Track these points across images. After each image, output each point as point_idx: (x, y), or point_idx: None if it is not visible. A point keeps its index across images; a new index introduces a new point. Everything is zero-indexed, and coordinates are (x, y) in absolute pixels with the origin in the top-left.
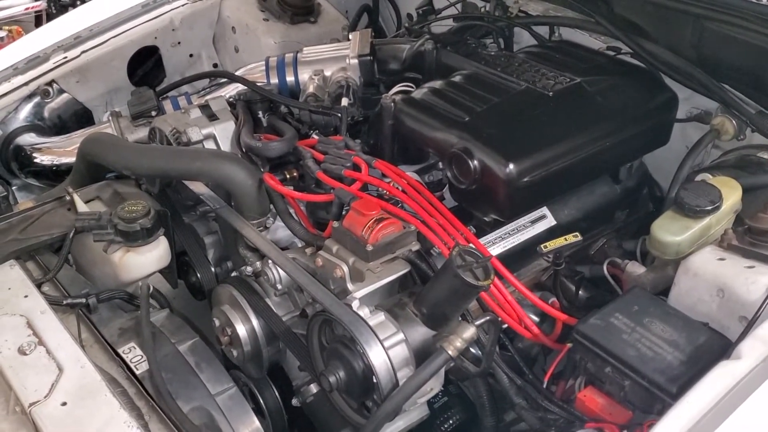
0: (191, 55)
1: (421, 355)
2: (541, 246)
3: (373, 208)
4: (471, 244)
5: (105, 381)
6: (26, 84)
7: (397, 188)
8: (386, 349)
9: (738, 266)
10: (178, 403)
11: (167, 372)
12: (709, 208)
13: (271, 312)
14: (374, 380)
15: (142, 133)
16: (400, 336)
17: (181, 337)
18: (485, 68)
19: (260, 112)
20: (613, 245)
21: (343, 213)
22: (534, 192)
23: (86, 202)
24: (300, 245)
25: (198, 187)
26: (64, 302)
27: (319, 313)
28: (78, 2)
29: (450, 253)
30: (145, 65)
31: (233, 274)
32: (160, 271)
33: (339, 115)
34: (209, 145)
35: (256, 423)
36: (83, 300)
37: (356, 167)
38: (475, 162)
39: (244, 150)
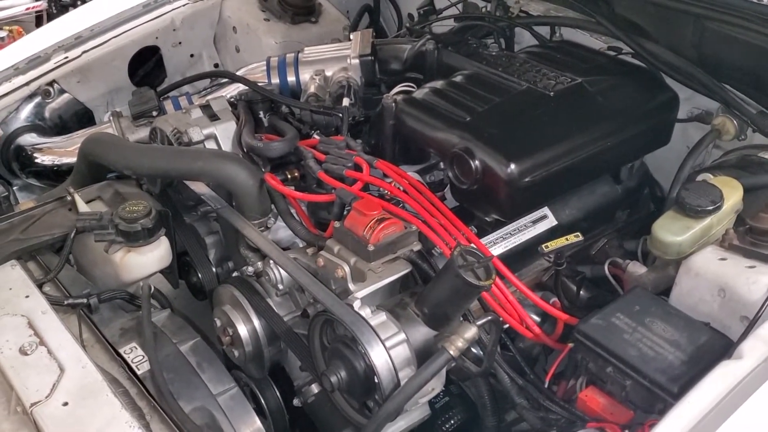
0: (192, 55)
1: (423, 355)
2: (543, 246)
3: (375, 208)
4: (472, 244)
5: (106, 381)
6: (27, 84)
7: (398, 188)
8: (388, 349)
9: (739, 266)
10: (180, 403)
11: (168, 372)
12: (711, 208)
13: (272, 312)
14: (376, 380)
15: (143, 133)
16: (402, 336)
17: (183, 338)
18: (486, 68)
19: (261, 112)
20: (614, 245)
21: (345, 213)
22: (535, 192)
23: (87, 202)
24: (301, 245)
25: (199, 187)
26: (66, 302)
27: (320, 313)
28: (79, 2)
29: (451, 253)
30: (146, 65)
31: (234, 274)
32: (161, 272)
33: (340, 115)
34: (210, 145)
35: (258, 423)
36: (84, 300)
37: (357, 167)
38: (477, 162)
39: (245, 150)
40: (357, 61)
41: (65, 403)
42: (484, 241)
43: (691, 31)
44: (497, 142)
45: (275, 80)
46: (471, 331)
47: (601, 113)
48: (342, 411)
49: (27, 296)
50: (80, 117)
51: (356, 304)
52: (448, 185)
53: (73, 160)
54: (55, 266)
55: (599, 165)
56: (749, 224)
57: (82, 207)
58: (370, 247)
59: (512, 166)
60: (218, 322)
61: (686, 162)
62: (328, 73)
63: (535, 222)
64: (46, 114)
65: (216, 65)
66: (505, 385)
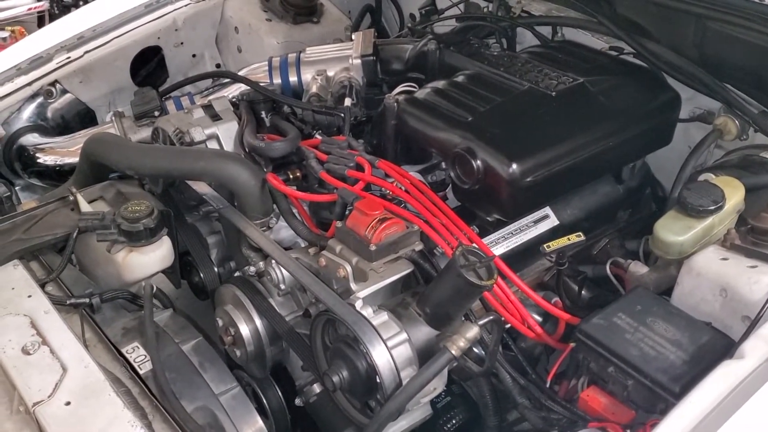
0: (194, 56)
1: (425, 355)
2: (544, 246)
3: (377, 208)
4: (474, 244)
5: (109, 381)
6: (29, 84)
7: (400, 188)
8: (389, 349)
9: (741, 266)
10: (182, 402)
11: (171, 372)
12: (712, 207)
13: (274, 312)
14: (377, 380)
15: (145, 133)
16: (404, 336)
17: (185, 337)
18: (488, 68)
19: (263, 112)
20: (616, 245)
21: (347, 213)
22: (537, 192)
23: (89, 202)
24: (303, 245)
25: (201, 187)
26: (68, 302)
27: (322, 313)
28: (81, 2)
29: (453, 252)
30: (148, 65)
31: (236, 274)
32: (163, 271)
33: (342, 115)
34: (212, 145)
35: (260, 423)
36: (87, 300)
37: (359, 167)
38: (479, 162)
39: (247, 150)
40: (359, 61)
41: (68, 403)
42: (485, 240)
43: (693, 31)
44: (499, 141)
45: (277, 80)
46: (473, 331)
47: (603, 113)
48: (344, 411)
49: (29, 296)
50: (82, 117)
51: (358, 304)
52: (450, 185)
53: (75, 160)
54: (58, 266)
55: (601, 165)
56: (751, 224)
57: (85, 207)
58: (372, 247)
59: (514, 166)
60: (220, 322)
61: (688, 162)
62: (330, 73)
63: (536, 222)
64: (49, 114)
65: (218, 65)
66: (506, 385)
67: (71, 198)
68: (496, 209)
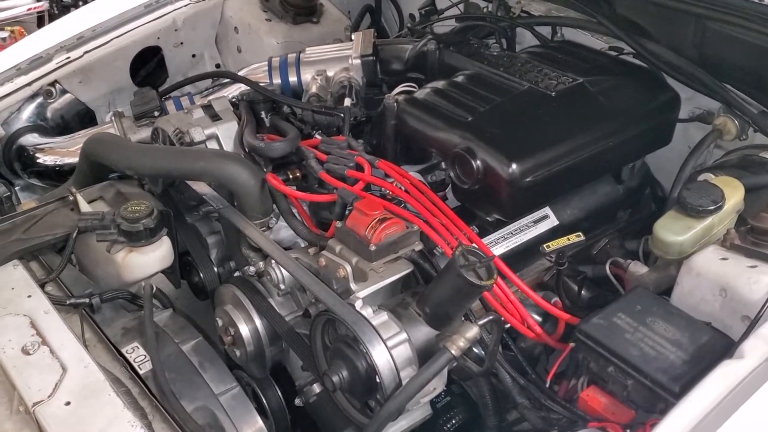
0: (194, 56)
1: (424, 355)
2: (544, 246)
3: (376, 208)
4: (474, 244)
5: (108, 380)
6: (29, 84)
7: (400, 188)
8: (389, 349)
9: (740, 266)
10: (182, 402)
11: (170, 372)
12: (712, 207)
13: (274, 312)
14: (377, 380)
15: (145, 133)
16: (403, 336)
17: (185, 337)
18: (488, 68)
19: (263, 113)
20: (616, 245)
21: (346, 213)
22: (537, 192)
23: (89, 202)
24: (303, 245)
25: (201, 187)
26: (68, 302)
27: (322, 313)
28: (80, 2)
29: (453, 252)
30: (148, 65)
31: (236, 274)
32: (163, 271)
33: (342, 115)
34: (212, 145)
35: (260, 423)
36: (86, 300)
37: (359, 167)
38: (478, 162)
39: (247, 150)
40: (358, 61)
41: (67, 403)
42: (485, 240)
43: (693, 31)
44: (499, 142)
45: (277, 80)
46: (472, 331)
47: (603, 113)
48: (343, 411)
49: (29, 296)
50: (82, 117)
51: (358, 304)
52: (450, 185)
53: (74, 160)
54: (57, 266)
55: (601, 165)
56: (750, 224)
57: (84, 207)
58: (372, 247)
59: (514, 166)
60: (220, 322)
61: (687, 162)
62: (330, 74)
63: (536, 222)
64: (48, 114)
65: (217, 65)
66: (506, 385)
67: (71, 198)
68: (496, 209)
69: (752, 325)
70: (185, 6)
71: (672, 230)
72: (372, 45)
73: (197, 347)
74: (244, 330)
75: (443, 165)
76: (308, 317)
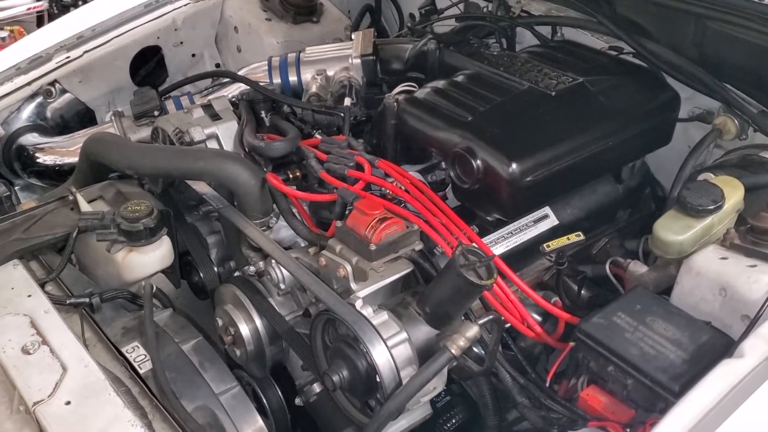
0: (194, 55)
1: (425, 355)
2: (544, 245)
3: (377, 208)
4: (474, 244)
5: (109, 380)
6: (29, 84)
7: (400, 188)
8: (389, 348)
9: (740, 265)
10: (182, 402)
11: (171, 371)
12: (712, 207)
13: (274, 311)
14: (377, 379)
15: (145, 132)
16: (404, 335)
17: (185, 337)
18: (488, 68)
19: (263, 112)
20: (616, 245)
21: (346, 213)
22: (537, 191)
23: (89, 201)
24: (303, 245)
25: (201, 187)
26: (68, 302)
27: (322, 313)
28: (80, 2)
29: (453, 252)
30: (148, 65)
31: (236, 273)
32: (163, 271)
33: (342, 114)
34: (212, 144)
35: (260, 422)
36: (86, 299)
37: (359, 167)
38: (478, 161)
39: (247, 150)
40: (359, 60)
41: (68, 402)
42: (485, 240)
43: (693, 31)
44: (499, 141)
45: (277, 80)
46: (472, 330)
47: (603, 113)
48: (344, 410)
49: (29, 296)
50: (82, 117)
51: (358, 304)
52: (450, 185)
53: (74, 159)
54: (57, 266)
55: (600, 164)
56: (750, 223)
57: (84, 206)
58: (372, 247)
59: (514, 165)
60: (220, 322)
61: (687, 161)
62: (330, 73)
63: (536, 221)
64: (48, 114)
65: (217, 65)
66: (506, 384)
67: (71, 198)
68: (496, 209)
69: (752, 324)
70: (185, 5)
71: (672, 230)
72: (372, 44)
73: (197, 347)
74: (244, 329)
75: (443, 165)
76: (308, 317)
